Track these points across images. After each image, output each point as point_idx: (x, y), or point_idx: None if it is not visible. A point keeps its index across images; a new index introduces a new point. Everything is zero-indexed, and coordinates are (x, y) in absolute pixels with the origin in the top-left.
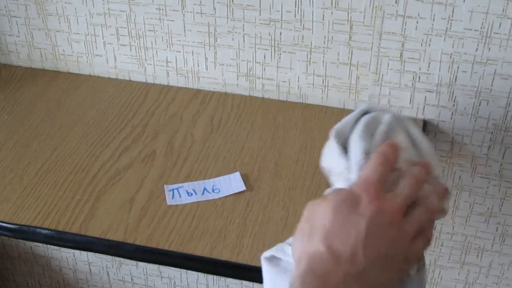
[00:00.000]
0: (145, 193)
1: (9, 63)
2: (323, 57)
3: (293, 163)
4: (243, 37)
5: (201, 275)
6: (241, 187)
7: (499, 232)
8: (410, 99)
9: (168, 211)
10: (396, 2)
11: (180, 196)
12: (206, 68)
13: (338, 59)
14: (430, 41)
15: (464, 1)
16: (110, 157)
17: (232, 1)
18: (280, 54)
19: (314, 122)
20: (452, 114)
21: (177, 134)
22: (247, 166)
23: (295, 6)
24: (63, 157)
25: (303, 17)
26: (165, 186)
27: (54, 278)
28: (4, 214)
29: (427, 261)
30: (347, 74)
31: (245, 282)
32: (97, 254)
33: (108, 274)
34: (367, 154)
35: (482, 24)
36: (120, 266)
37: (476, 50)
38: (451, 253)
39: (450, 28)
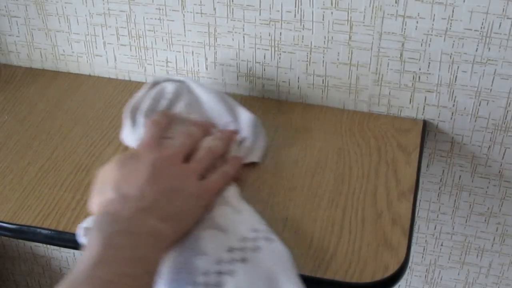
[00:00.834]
0: None
1: (9, 63)
2: (323, 57)
3: (293, 163)
4: (243, 37)
5: None
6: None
7: (499, 232)
8: (410, 99)
9: None
10: (396, 2)
11: None
12: (206, 68)
13: (338, 59)
14: (430, 41)
15: (464, 1)
16: (110, 157)
17: (232, 1)
18: (280, 54)
19: (314, 122)
20: (452, 114)
21: None
22: (247, 166)
23: (295, 6)
24: (63, 157)
25: (303, 17)
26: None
27: (54, 278)
28: (4, 214)
29: (427, 261)
30: (347, 74)
31: None
32: None
33: None
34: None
35: (482, 24)
36: None
37: (476, 50)
38: (451, 253)
39: (450, 28)
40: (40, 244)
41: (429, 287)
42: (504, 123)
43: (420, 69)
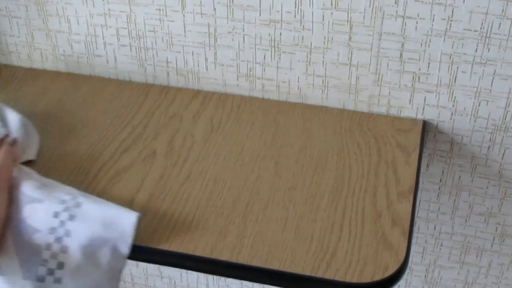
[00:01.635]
0: (145, 193)
1: (9, 64)
2: (323, 57)
3: (293, 163)
4: (243, 37)
5: (201, 275)
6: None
7: (498, 232)
8: (410, 100)
9: (168, 211)
10: (396, 3)
11: None
12: (206, 69)
13: (338, 60)
14: (430, 41)
15: (463, 1)
16: (110, 158)
17: (232, 1)
18: (280, 54)
19: (314, 122)
20: (452, 115)
21: (177, 134)
22: (247, 166)
23: (295, 7)
24: (63, 157)
25: (303, 18)
26: None
27: None
28: None
29: (427, 261)
30: (347, 74)
31: (245, 282)
32: None
33: None
34: None
35: (481, 25)
36: None
37: (476, 51)
38: (450, 253)
39: (449, 29)
40: None
41: (429, 287)
42: (504, 124)
43: (419, 69)
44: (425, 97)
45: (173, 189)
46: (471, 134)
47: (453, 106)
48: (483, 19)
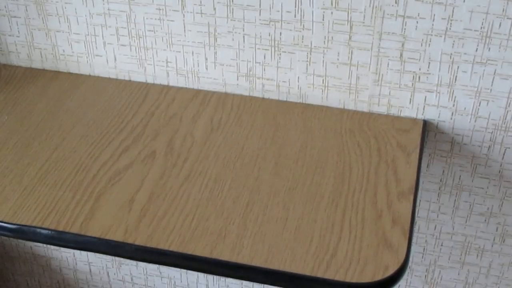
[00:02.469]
0: (145, 193)
1: (9, 63)
2: (323, 57)
3: (293, 163)
4: (243, 37)
5: (201, 275)
6: None
7: (499, 232)
8: (410, 99)
9: (168, 211)
10: (396, 2)
11: None
12: (206, 68)
13: (338, 59)
14: (430, 41)
15: (464, 1)
16: (110, 157)
17: (232, 1)
18: (280, 54)
19: (314, 122)
20: (452, 114)
21: (177, 134)
22: (247, 166)
23: (295, 6)
24: (63, 157)
25: (303, 17)
26: None
27: (54, 278)
28: (4, 214)
29: (427, 261)
30: (347, 74)
31: (245, 282)
32: (97, 254)
33: (108, 274)
34: None
35: (482, 24)
36: (120, 266)
37: (476, 50)
38: (451, 253)
39: (450, 28)
40: (40, 244)
41: (429, 287)
42: (504, 123)
43: (420, 69)
44: (425, 97)
45: (173, 189)
46: (472, 134)
47: (453, 105)
48: (483, 19)
